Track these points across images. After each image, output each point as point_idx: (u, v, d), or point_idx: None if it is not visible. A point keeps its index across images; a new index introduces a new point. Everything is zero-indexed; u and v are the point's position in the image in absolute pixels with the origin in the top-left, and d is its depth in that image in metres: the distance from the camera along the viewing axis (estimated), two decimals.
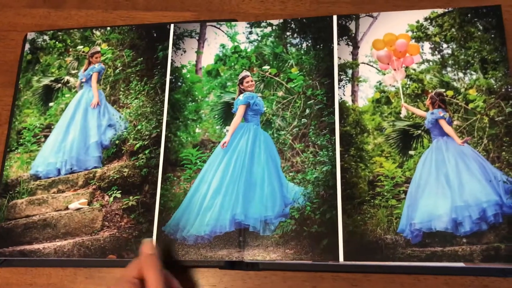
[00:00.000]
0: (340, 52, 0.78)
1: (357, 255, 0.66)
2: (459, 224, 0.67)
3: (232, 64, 0.81)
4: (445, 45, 0.76)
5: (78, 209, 0.75)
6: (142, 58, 0.83)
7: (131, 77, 0.82)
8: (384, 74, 0.77)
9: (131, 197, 0.75)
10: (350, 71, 0.77)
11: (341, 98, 0.75)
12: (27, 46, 0.86)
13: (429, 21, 0.78)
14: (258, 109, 0.77)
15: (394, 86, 0.76)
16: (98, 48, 0.84)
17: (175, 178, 0.75)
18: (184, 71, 0.81)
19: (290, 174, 0.73)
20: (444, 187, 0.69)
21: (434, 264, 0.65)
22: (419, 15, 0.78)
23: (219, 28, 0.83)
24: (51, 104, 0.83)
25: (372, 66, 0.77)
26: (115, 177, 0.76)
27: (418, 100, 0.75)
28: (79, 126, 0.81)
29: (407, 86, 0.76)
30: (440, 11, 0.78)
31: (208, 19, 0.84)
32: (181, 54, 0.82)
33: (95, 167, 0.78)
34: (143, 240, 0.65)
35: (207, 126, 0.78)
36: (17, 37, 0.86)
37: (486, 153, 0.70)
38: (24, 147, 0.80)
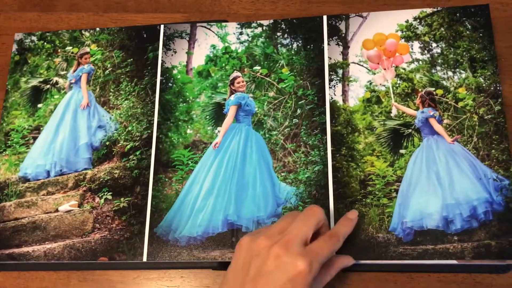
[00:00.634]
0: (331, 52, 0.78)
1: (349, 254, 0.65)
2: (450, 222, 0.67)
3: (223, 64, 0.81)
4: (434, 44, 0.77)
5: (68, 211, 0.74)
6: (132, 59, 0.82)
7: (121, 78, 0.81)
8: (374, 74, 0.77)
9: (122, 199, 0.74)
10: (340, 71, 0.77)
11: (332, 98, 0.76)
12: (15, 46, 0.85)
13: (418, 20, 0.78)
14: (249, 109, 0.77)
15: (384, 85, 0.76)
16: (88, 49, 0.84)
17: (166, 179, 0.74)
18: (175, 72, 0.80)
19: (282, 174, 0.73)
20: (435, 185, 0.69)
21: (427, 261, 0.65)
22: (408, 15, 0.78)
23: (209, 29, 0.83)
24: (39, 105, 0.82)
25: (362, 66, 0.78)
26: (105, 179, 0.76)
27: (408, 99, 0.75)
28: (69, 127, 0.80)
29: (397, 85, 0.76)
30: (429, 10, 0.78)
31: (199, 20, 0.83)
32: (172, 55, 0.81)
33: (85, 169, 0.77)
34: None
35: (199, 127, 0.78)
36: (7, 40, 0.85)
37: (476, 151, 0.71)
38: (12, 149, 0.79)
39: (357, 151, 0.73)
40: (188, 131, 0.77)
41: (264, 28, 0.81)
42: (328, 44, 0.78)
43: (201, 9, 0.85)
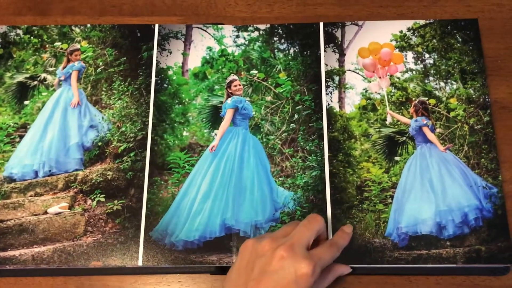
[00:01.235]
0: (327, 59, 0.79)
1: (346, 259, 0.67)
2: (443, 227, 0.69)
3: (220, 67, 0.80)
4: (427, 55, 0.80)
5: (58, 214, 0.72)
6: (125, 58, 0.80)
7: (113, 76, 0.79)
8: (370, 82, 0.79)
9: (115, 201, 0.72)
10: (337, 78, 0.78)
11: (328, 104, 0.77)
12: None
13: (411, 31, 0.81)
14: (246, 113, 0.77)
15: (379, 93, 0.78)
16: (78, 46, 0.81)
17: (162, 182, 0.73)
18: (170, 72, 0.79)
19: (280, 178, 0.73)
20: (429, 192, 0.72)
21: (425, 264, 0.68)
22: (402, 26, 0.81)
23: (205, 31, 0.82)
24: (26, 102, 0.79)
25: (358, 73, 0.79)
26: (98, 180, 0.73)
27: (402, 107, 0.77)
28: (58, 126, 0.77)
29: (391, 94, 0.78)
30: (422, 22, 0.81)
31: (195, 23, 0.82)
32: (167, 56, 0.80)
33: (76, 170, 0.75)
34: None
35: (195, 130, 0.77)
36: None
37: (466, 160, 0.74)
38: None
39: (353, 157, 0.74)
40: (184, 133, 0.76)
41: (260, 32, 0.81)
42: (325, 50, 0.79)
43: (197, 12, 0.84)
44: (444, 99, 0.77)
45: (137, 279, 0.68)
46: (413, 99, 0.77)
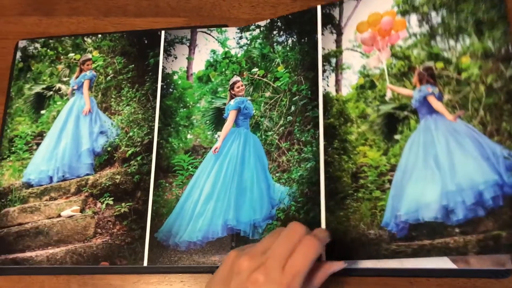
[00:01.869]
0: (324, 42, 0.76)
1: (339, 253, 0.63)
2: (451, 211, 0.60)
3: (223, 69, 0.81)
4: (434, 14, 0.71)
5: (70, 217, 0.75)
6: (133, 65, 0.83)
7: (122, 84, 0.82)
8: (368, 57, 0.74)
9: (123, 204, 0.75)
10: (334, 60, 0.74)
11: (325, 90, 0.73)
12: (19, 54, 0.86)
13: None
14: (247, 112, 0.77)
15: (378, 68, 0.73)
16: (90, 56, 0.85)
17: (167, 184, 0.75)
18: (175, 77, 0.81)
19: (277, 174, 0.73)
20: (434, 171, 0.62)
21: (426, 266, 0.64)
22: None
23: (209, 34, 0.83)
24: (42, 111, 0.83)
25: (356, 50, 0.74)
26: (107, 184, 0.76)
27: (404, 78, 0.70)
28: (71, 133, 0.81)
29: (392, 65, 0.72)
30: None
31: (199, 25, 0.84)
32: (172, 61, 0.82)
33: (87, 174, 0.78)
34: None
35: (199, 132, 0.78)
36: (8, 45, 0.86)
37: (482, 127, 0.63)
38: (16, 155, 0.80)
39: (349, 142, 0.70)
40: (189, 136, 0.78)
41: (261, 29, 0.81)
42: (322, 34, 0.76)
43: (201, 13, 0.85)
44: (454, 59, 0.67)
45: (139, 278, 0.70)
46: (417, 66, 0.69)
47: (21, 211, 0.77)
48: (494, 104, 0.63)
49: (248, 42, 0.81)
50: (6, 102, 0.83)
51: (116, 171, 0.77)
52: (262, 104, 0.77)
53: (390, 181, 0.65)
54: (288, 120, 0.75)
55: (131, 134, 0.79)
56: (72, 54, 0.85)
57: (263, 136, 0.76)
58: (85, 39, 0.86)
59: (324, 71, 0.75)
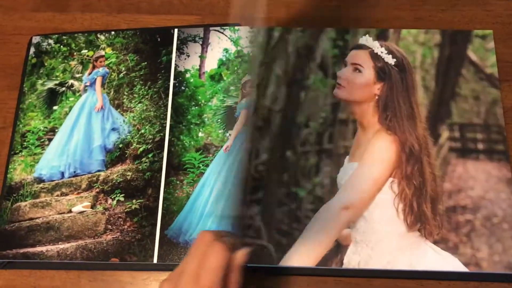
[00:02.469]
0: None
1: None
2: None
3: (235, 68, 0.81)
4: None
5: (81, 212, 0.76)
6: (146, 63, 0.83)
7: (135, 81, 0.82)
8: None
9: (134, 201, 0.75)
10: None
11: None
12: (32, 49, 0.86)
13: None
14: None
15: None
16: (103, 52, 0.85)
17: (178, 182, 0.75)
18: (188, 75, 0.81)
19: None
20: None
21: (438, 269, 0.64)
22: None
23: (222, 33, 0.83)
24: (55, 107, 0.83)
25: None
26: (118, 181, 0.77)
27: None
28: (83, 130, 0.81)
29: None
30: None
31: (212, 23, 0.84)
32: (185, 59, 0.82)
33: (99, 171, 0.78)
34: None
35: (210, 130, 0.78)
36: (21, 40, 0.87)
37: None
38: (28, 150, 0.81)
39: None
40: (200, 134, 0.78)
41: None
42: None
43: (214, 11, 0.85)
44: None
45: (149, 275, 0.71)
46: None
47: (32, 206, 0.77)
48: None
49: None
50: (19, 97, 0.83)
51: (128, 168, 0.77)
52: None
53: None
54: None
55: (142, 131, 0.79)
56: (85, 51, 0.86)
57: None
58: (98, 36, 0.86)
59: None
